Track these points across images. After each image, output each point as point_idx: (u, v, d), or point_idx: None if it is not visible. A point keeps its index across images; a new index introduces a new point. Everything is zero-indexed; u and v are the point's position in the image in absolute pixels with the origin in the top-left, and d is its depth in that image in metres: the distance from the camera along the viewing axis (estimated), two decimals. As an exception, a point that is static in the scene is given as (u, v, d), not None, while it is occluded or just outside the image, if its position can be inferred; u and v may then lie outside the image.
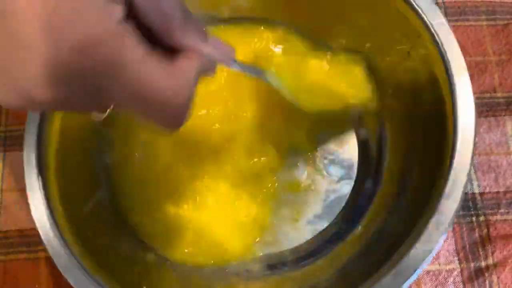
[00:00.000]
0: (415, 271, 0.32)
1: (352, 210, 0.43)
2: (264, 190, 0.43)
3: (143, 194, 0.43)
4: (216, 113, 0.44)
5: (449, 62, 0.35)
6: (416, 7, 0.36)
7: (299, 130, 0.44)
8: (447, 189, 0.33)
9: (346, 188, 0.44)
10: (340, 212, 0.43)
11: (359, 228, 0.41)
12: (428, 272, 0.43)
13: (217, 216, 0.42)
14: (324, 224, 0.43)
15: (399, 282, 0.31)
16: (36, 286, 0.42)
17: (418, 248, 0.32)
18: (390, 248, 0.33)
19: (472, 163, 0.34)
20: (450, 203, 0.32)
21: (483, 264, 0.43)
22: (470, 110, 0.34)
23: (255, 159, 0.43)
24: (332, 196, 0.43)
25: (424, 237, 0.32)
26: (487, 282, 0.42)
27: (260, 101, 0.44)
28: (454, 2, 0.50)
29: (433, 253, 0.32)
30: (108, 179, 0.42)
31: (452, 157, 0.33)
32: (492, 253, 0.43)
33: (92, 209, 0.39)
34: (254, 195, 0.42)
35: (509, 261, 0.42)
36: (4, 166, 0.46)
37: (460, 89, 0.34)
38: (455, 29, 0.49)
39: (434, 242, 0.32)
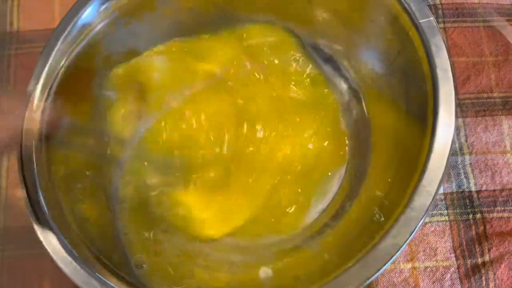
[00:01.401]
0: (383, 264, 0.32)
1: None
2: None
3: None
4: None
5: (434, 61, 0.35)
6: (406, 6, 0.37)
7: None
8: (421, 186, 0.33)
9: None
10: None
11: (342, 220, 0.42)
12: (425, 268, 0.43)
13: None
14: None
15: (366, 275, 0.32)
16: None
17: (387, 242, 0.32)
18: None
19: (448, 164, 0.34)
20: (422, 200, 0.33)
21: (479, 260, 0.43)
22: (450, 110, 0.35)
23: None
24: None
25: (393, 231, 0.32)
26: (483, 278, 0.43)
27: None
28: (452, 3, 0.51)
29: (402, 248, 0.32)
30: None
31: (428, 154, 0.34)
32: (489, 250, 0.43)
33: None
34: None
35: (505, 257, 0.43)
36: (9, 162, 0.47)
37: (443, 90, 0.35)
38: (452, 30, 0.50)
39: (404, 237, 0.32)
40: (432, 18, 0.36)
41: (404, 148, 0.38)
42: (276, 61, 0.47)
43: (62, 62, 0.40)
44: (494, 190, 0.45)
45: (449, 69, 0.35)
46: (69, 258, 0.32)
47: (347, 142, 0.45)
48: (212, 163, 0.44)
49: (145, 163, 0.46)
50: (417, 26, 0.36)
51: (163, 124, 0.45)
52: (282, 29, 0.47)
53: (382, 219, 0.36)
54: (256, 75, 0.46)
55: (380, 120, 0.43)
